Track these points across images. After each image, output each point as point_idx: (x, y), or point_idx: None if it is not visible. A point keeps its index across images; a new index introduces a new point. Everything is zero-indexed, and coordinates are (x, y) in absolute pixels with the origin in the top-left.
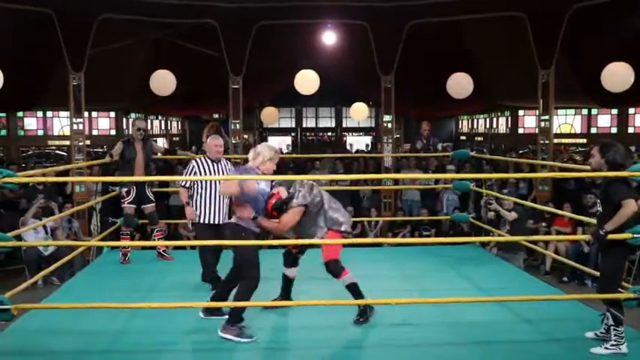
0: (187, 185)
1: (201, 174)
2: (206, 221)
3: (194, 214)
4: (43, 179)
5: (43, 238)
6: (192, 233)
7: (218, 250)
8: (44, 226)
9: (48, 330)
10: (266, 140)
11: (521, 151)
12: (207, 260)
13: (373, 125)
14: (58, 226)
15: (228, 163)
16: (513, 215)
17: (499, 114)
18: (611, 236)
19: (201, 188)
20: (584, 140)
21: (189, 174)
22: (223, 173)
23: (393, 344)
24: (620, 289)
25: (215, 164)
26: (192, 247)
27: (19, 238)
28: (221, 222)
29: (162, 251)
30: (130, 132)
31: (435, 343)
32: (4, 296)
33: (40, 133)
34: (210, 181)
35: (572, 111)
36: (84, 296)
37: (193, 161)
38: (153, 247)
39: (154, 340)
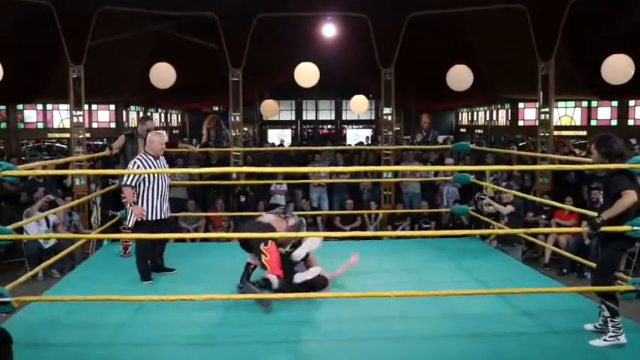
0: (134, 184)
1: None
2: (154, 218)
3: (143, 212)
4: (43, 172)
5: (45, 231)
6: (192, 226)
7: (163, 243)
8: (46, 219)
9: (48, 322)
10: (266, 133)
11: (520, 144)
12: (144, 256)
13: (373, 118)
14: (60, 222)
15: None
16: (509, 209)
17: (499, 106)
18: (611, 228)
19: (149, 185)
20: (584, 132)
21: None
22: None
23: (393, 337)
24: (618, 281)
25: (157, 160)
26: (192, 240)
27: (21, 230)
28: (164, 217)
29: None
30: (135, 126)
31: (435, 335)
32: (4, 288)
33: (40, 125)
34: (157, 179)
35: (572, 103)
36: (84, 289)
37: (137, 160)
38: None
39: (154, 333)
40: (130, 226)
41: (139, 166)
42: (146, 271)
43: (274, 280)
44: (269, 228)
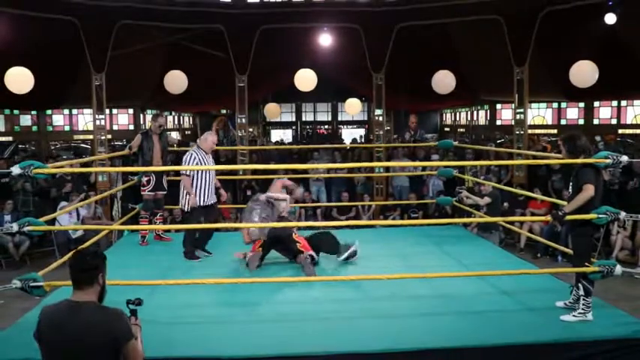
0: (190, 174)
1: (201, 164)
2: (202, 204)
3: (196, 201)
4: (69, 170)
5: (75, 222)
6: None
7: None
8: (77, 212)
9: None
10: (269, 133)
11: (498, 141)
12: (191, 238)
13: (366, 118)
14: (89, 215)
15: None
16: (485, 200)
17: (479, 107)
18: (577, 216)
19: (200, 177)
20: (555, 131)
21: (191, 164)
22: (214, 164)
23: (384, 315)
24: (587, 264)
25: (207, 156)
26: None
27: (53, 221)
28: (211, 204)
29: (160, 234)
30: (149, 126)
31: (422, 313)
32: (37, 274)
33: (67, 128)
34: (206, 172)
35: (544, 104)
36: (107, 274)
37: (193, 153)
38: (168, 230)
39: (170, 314)
40: (186, 209)
41: (194, 158)
42: (193, 251)
43: (314, 256)
44: (270, 204)
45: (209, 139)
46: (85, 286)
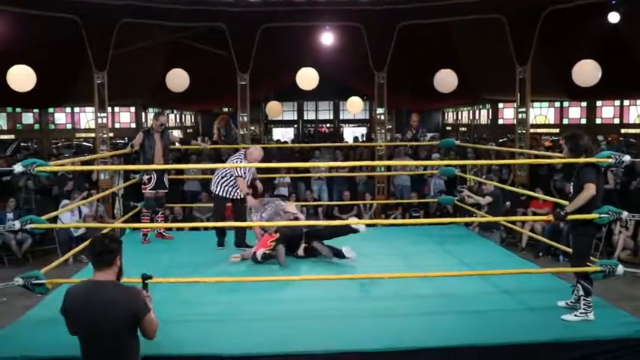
0: (245, 176)
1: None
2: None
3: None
4: (71, 168)
5: (76, 221)
6: (205, 215)
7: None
8: (79, 210)
9: None
10: (270, 132)
11: (500, 140)
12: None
13: (367, 117)
14: (91, 214)
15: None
16: (487, 200)
17: (481, 107)
18: (579, 216)
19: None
20: (557, 130)
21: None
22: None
23: (386, 314)
24: (588, 264)
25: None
26: (206, 229)
27: (55, 219)
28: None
29: (162, 232)
30: (151, 124)
31: (423, 312)
32: (39, 272)
33: (69, 126)
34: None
35: (546, 104)
36: None
37: (238, 160)
38: (169, 229)
39: (171, 312)
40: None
41: (240, 161)
42: (221, 239)
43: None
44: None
45: (254, 153)
46: (104, 267)
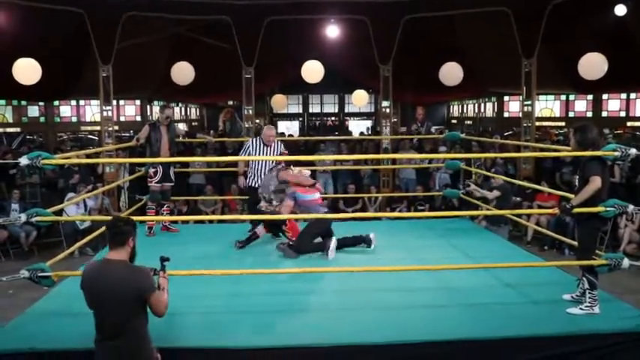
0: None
1: (255, 153)
2: (254, 185)
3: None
4: (77, 161)
5: (82, 213)
6: (210, 208)
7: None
8: (84, 203)
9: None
10: (275, 124)
11: (506, 133)
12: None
13: (373, 110)
14: (97, 207)
15: (281, 145)
16: (494, 194)
17: (486, 100)
18: (585, 209)
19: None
20: (563, 123)
21: (245, 152)
22: (274, 153)
23: (391, 307)
24: (593, 257)
25: (266, 147)
26: (210, 221)
27: (60, 212)
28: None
29: (168, 225)
30: (157, 117)
31: (427, 305)
32: (45, 264)
33: (74, 119)
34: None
35: (552, 97)
36: None
37: (249, 141)
38: (175, 221)
39: (176, 304)
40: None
41: (248, 146)
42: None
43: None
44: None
45: (265, 132)
46: (117, 247)
